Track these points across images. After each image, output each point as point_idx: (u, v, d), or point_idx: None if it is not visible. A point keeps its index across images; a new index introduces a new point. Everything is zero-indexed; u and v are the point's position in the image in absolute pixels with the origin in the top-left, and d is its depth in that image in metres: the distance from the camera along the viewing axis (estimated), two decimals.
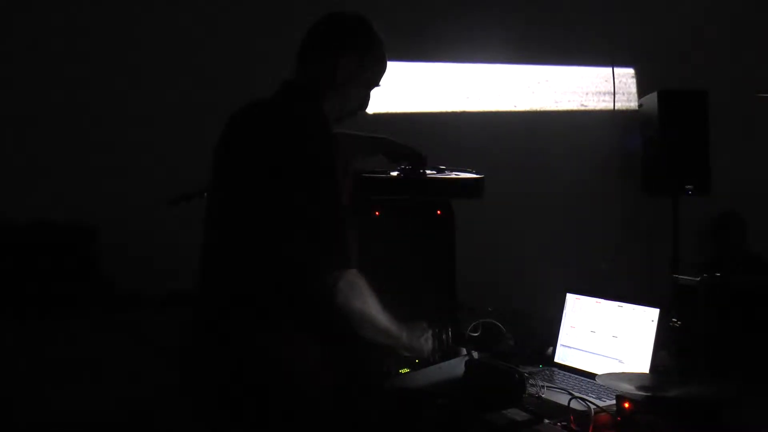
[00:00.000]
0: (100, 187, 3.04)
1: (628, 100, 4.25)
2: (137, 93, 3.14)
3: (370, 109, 1.84)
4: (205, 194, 2.32)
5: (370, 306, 1.54)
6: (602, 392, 1.72)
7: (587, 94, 4.17)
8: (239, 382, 1.47)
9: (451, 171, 2.12)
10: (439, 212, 2.11)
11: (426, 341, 1.71)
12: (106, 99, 3.10)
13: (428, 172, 2.04)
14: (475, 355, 1.88)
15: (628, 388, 1.54)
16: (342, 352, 1.60)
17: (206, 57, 3.23)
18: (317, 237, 1.46)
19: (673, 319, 2.10)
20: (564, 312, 2.06)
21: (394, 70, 1.88)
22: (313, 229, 1.47)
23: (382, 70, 1.76)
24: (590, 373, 1.85)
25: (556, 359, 2.03)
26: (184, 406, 1.72)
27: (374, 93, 1.79)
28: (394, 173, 2.03)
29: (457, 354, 1.87)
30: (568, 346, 2.02)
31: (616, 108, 4.18)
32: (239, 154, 1.61)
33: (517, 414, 1.52)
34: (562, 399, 1.64)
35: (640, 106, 4.16)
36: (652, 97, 3.94)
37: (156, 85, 3.16)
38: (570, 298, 2.07)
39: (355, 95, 1.74)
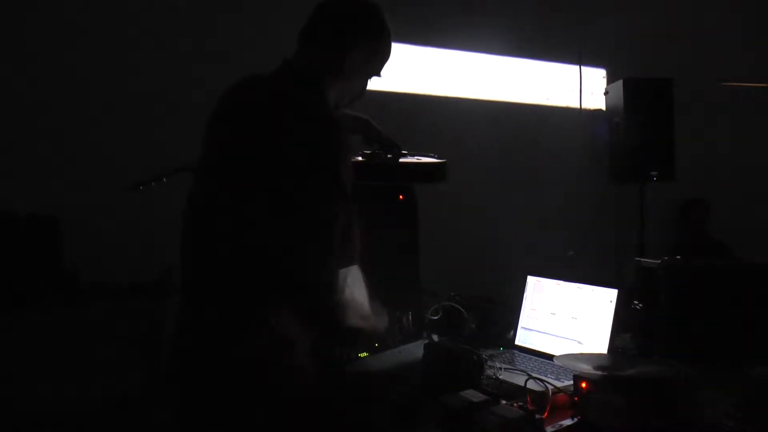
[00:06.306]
0: (59, 177, 2.97)
1: (597, 100, 4.28)
2: (92, 78, 3.06)
3: None
4: (165, 179, 2.31)
5: (365, 296, 1.55)
6: (561, 373, 1.73)
7: (555, 89, 4.19)
8: (231, 380, 1.42)
9: (413, 155, 2.11)
10: (401, 197, 2.10)
11: (382, 319, 1.70)
12: (59, 85, 3.02)
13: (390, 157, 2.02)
14: (436, 338, 1.88)
15: (586, 368, 1.55)
16: (318, 340, 1.58)
17: (160, 43, 3.17)
18: (327, 236, 1.41)
19: (635, 302, 2.12)
20: (525, 294, 2.07)
21: None
22: (321, 229, 1.41)
23: (386, 60, 1.69)
24: (550, 354, 1.85)
25: (517, 342, 2.03)
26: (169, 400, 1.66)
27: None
28: (359, 158, 2.02)
29: (418, 338, 1.87)
30: (529, 329, 2.02)
31: (582, 107, 4.21)
32: (238, 140, 1.50)
33: (473, 395, 1.51)
34: (521, 380, 1.64)
35: (606, 93, 4.20)
36: (618, 85, 3.98)
37: (113, 69, 3.10)
38: (531, 280, 2.08)
39: (357, 85, 1.67)
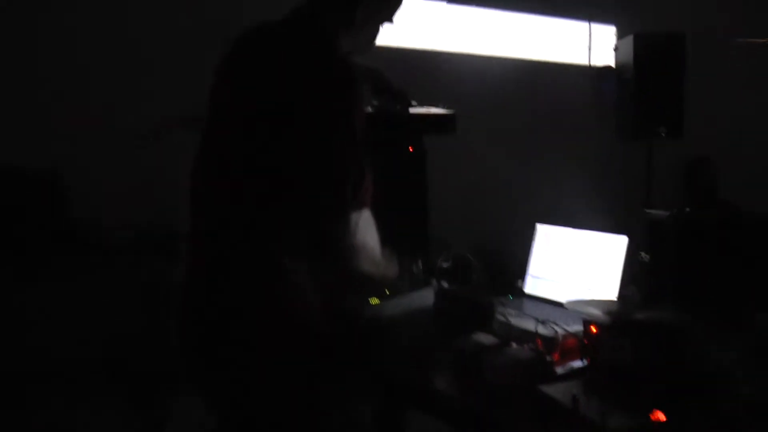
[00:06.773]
0: (64, 131, 2.95)
1: (607, 57, 4.22)
2: (95, 27, 3.02)
3: None
4: (174, 129, 2.31)
5: (376, 240, 1.56)
6: (570, 319, 1.73)
7: (564, 45, 4.14)
8: (244, 321, 1.43)
9: (422, 107, 2.10)
10: (411, 148, 2.10)
11: (392, 266, 1.71)
12: (60, 36, 2.98)
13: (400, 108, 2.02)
14: (445, 286, 1.89)
15: (595, 313, 1.56)
16: (331, 284, 1.59)
17: None
18: (340, 180, 1.42)
19: (642, 253, 2.13)
20: (534, 242, 2.07)
21: None
22: (334, 172, 1.42)
23: (398, 7, 1.67)
24: (560, 302, 1.86)
25: (526, 290, 2.05)
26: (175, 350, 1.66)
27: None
28: (369, 108, 2.01)
29: (427, 285, 1.88)
30: (538, 277, 2.04)
31: (591, 64, 4.16)
32: (249, 89, 1.49)
33: (484, 338, 1.53)
34: (531, 325, 1.65)
35: (615, 49, 4.14)
36: (628, 41, 3.92)
37: (116, 17, 3.05)
38: (540, 228, 2.08)
39: (369, 32, 1.65)
